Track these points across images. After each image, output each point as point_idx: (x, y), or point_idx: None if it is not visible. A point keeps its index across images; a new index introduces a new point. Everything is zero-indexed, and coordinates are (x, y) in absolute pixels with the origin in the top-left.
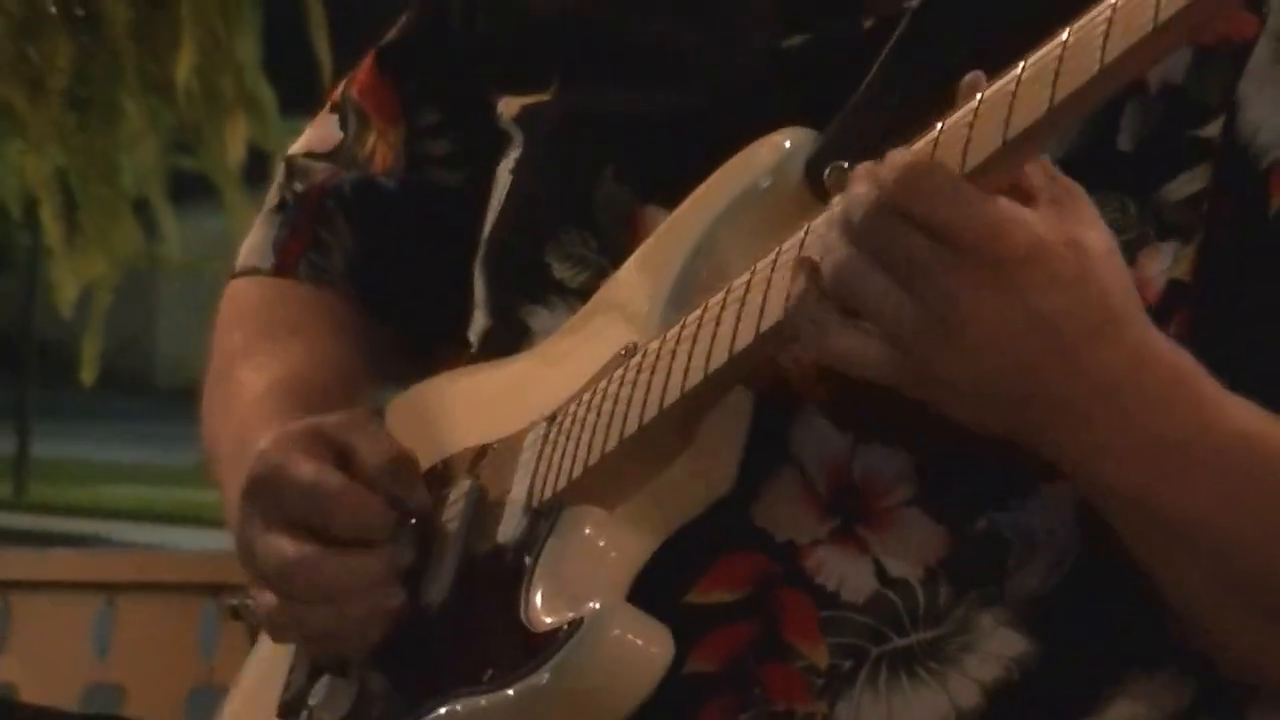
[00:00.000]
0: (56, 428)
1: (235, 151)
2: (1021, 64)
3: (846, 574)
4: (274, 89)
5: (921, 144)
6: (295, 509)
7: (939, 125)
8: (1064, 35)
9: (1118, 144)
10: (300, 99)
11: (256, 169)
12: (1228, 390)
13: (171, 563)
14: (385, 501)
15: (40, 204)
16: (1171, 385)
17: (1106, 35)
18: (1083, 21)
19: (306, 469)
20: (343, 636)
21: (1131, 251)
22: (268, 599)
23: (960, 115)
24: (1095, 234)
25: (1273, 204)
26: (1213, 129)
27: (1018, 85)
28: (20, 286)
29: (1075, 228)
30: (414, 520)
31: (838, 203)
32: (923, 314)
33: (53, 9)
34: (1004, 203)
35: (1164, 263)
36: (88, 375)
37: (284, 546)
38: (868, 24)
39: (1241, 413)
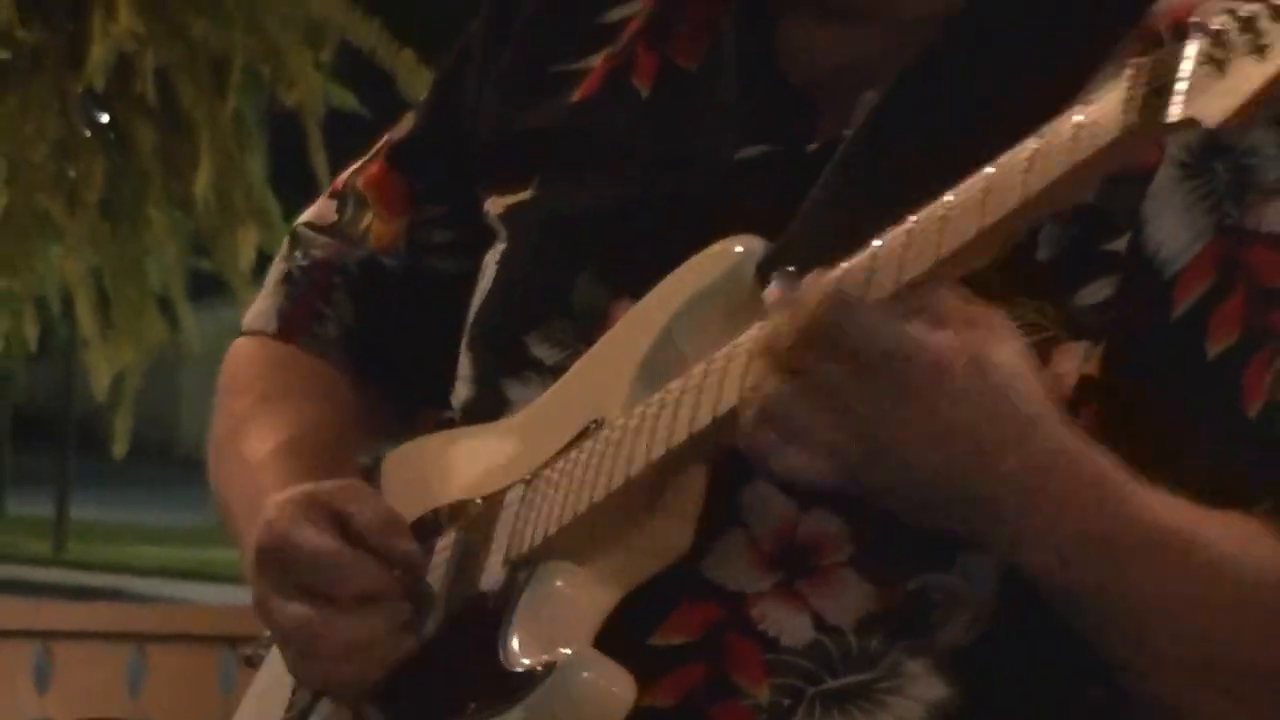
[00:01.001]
0: (92, 493)
1: (246, 255)
2: (950, 195)
3: (787, 623)
4: (279, 201)
5: (845, 269)
6: (303, 575)
7: (871, 248)
8: (989, 169)
9: (1037, 255)
10: (300, 209)
11: (264, 269)
12: (1151, 487)
13: (193, 615)
14: (380, 563)
15: (77, 300)
16: (1092, 485)
17: (1028, 171)
18: (1006, 157)
19: (310, 537)
20: (357, 682)
21: (1048, 349)
22: (291, 655)
23: (890, 241)
24: (1005, 352)
25: (1175, 310)
26: (1120, 244)
27: (943, 218)
28: (60, 371)
29: (984, 347)
30: (405, 574)
31: (762, 328)
32: (850, 435)
33: (88, 132)
34: (914, 327)
35: (1076, 361)
36: (119, 449)
37: (298, 612)
38: (813, 146)
39: (1165, 508)
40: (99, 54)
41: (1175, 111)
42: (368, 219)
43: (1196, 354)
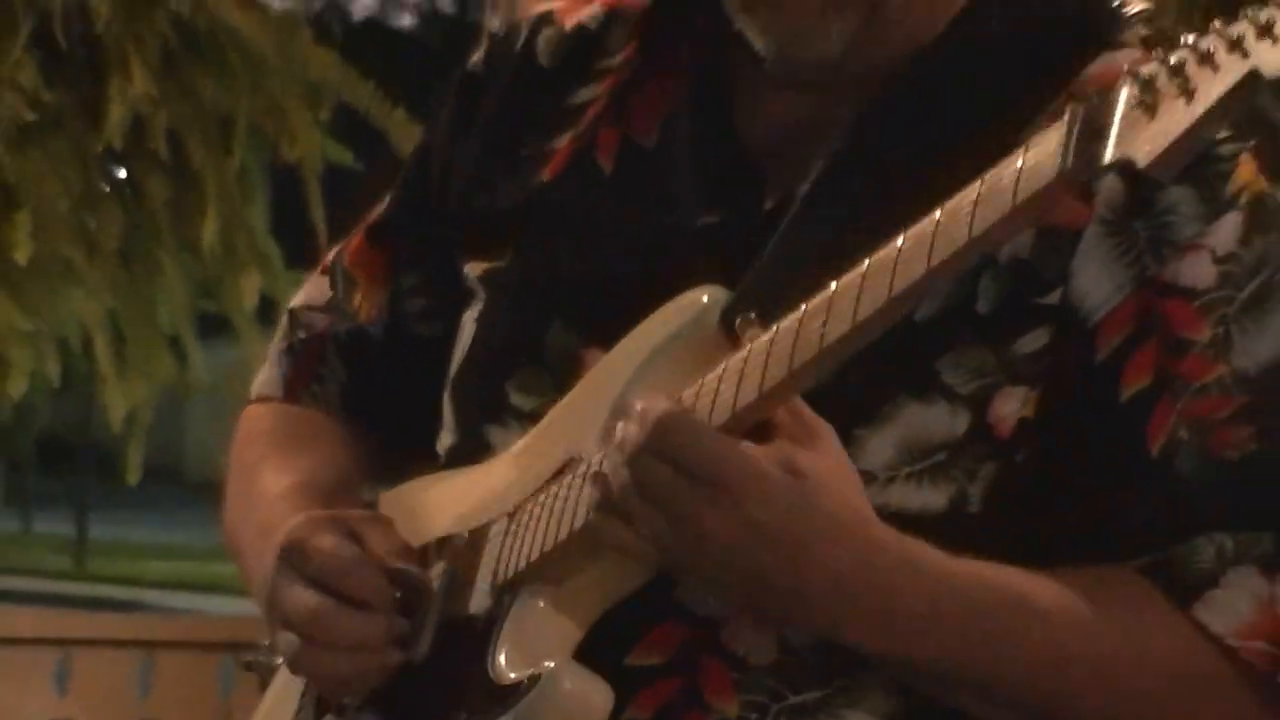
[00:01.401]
0: (108, 514)
1: (249, 297)
2: (901, 239)
3: (755, 645)
4: (280, 248)
5: (800, 311)
6: (317, 570)
7: (823, 296)
8: (936, 215)
9: (977, 308)
10: (299, 256)
11: (266, 311)
12: (977, 562)
13: (198, 625)
14: (385, 579)
15: (95, 340)
16: (899, 570)
17: (972, 215)
18: (952, 203)
19: (329, 540)
20: (347, 680)
21: (990, 394)
22: (290, 639)
23: (844, 280)
24: (825, 463)
25: (1097, 356)
26: (1053, 298)
27: (895, 260)
28: (80, 403)
29: (804, 458)
30: (408, 594)
31: (619, 430)
32: (673, 529)
33: (106, 187)
34: (731, 440)
35: (1015, 404)
36: (132, 475)
37: (308, 598)
38: (769, 205)
39: (971, 581)
40: (116, 114)
41: (1108, 154)
42: (358, 298)
43: (1112, 397)
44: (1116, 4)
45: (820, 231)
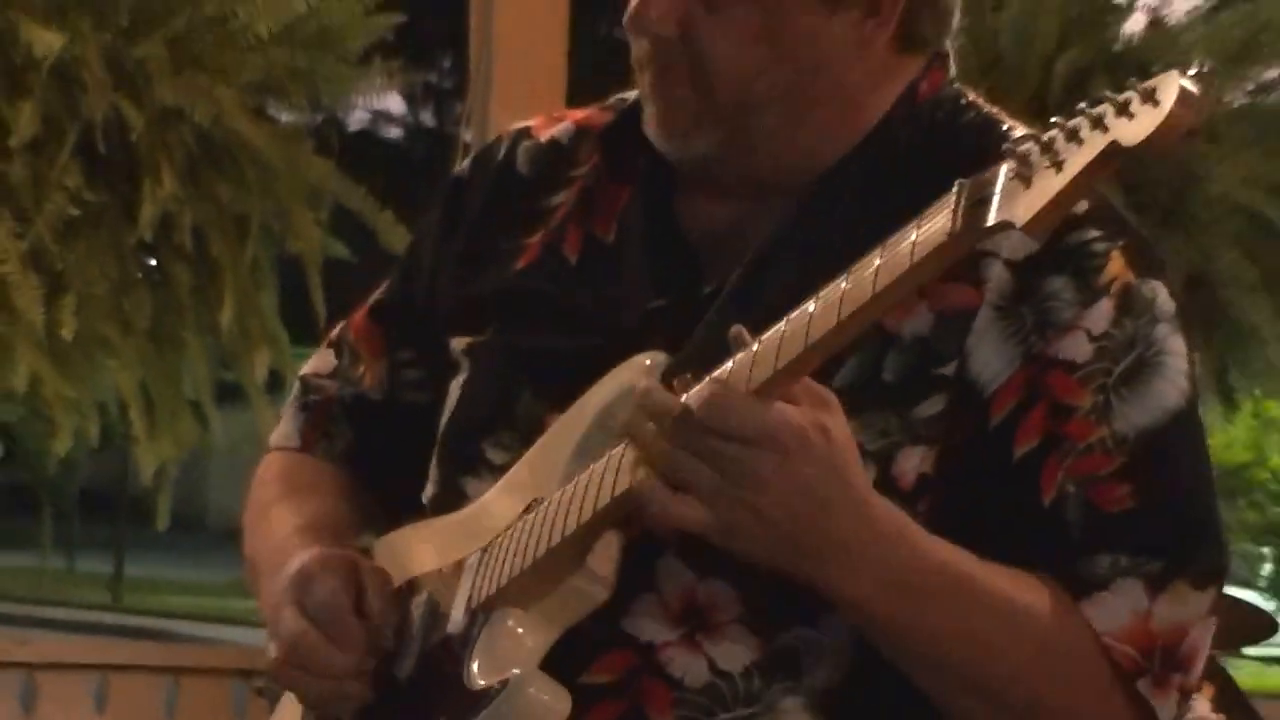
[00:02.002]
0: (141, 555)
1: (261, 370)
2: (812, 302)
3: (689, 667)
4: (286, 329)
5: (733, 364)
6: (314, 604)
7: (754, 344)
8: (843, 278)
9: (884, 377)
10: (303, 335)
11: (274, 382)
12: (941, 540)
13: (218, 653)
14: (365, 631)
15: (129, 406)
16: (890, 538)
17: (875, 278)
18: (857, 267)
19: (332, 583)
20: (320, 700)
21: (893, 452)
22: (274, 652)
23: (768, 337)
24: (838, 423)
25: (992, 421)
26: (949, 369)
27: (810, 315)
28: (116, 460)
29: (825, 417)
30: (377, 640)
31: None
32: (728, 489)
33: (139, 275)
34: (776, 406)
35: (915, 461)
36: (161, 522)
37: (298, 625)
38: (706, 290)
39: (950, 555)
40: (148, 213)
41: (991, 217)
42: (361, 368)
43: (1006, 456)
44: (1005, 128)
45: (748, 312)
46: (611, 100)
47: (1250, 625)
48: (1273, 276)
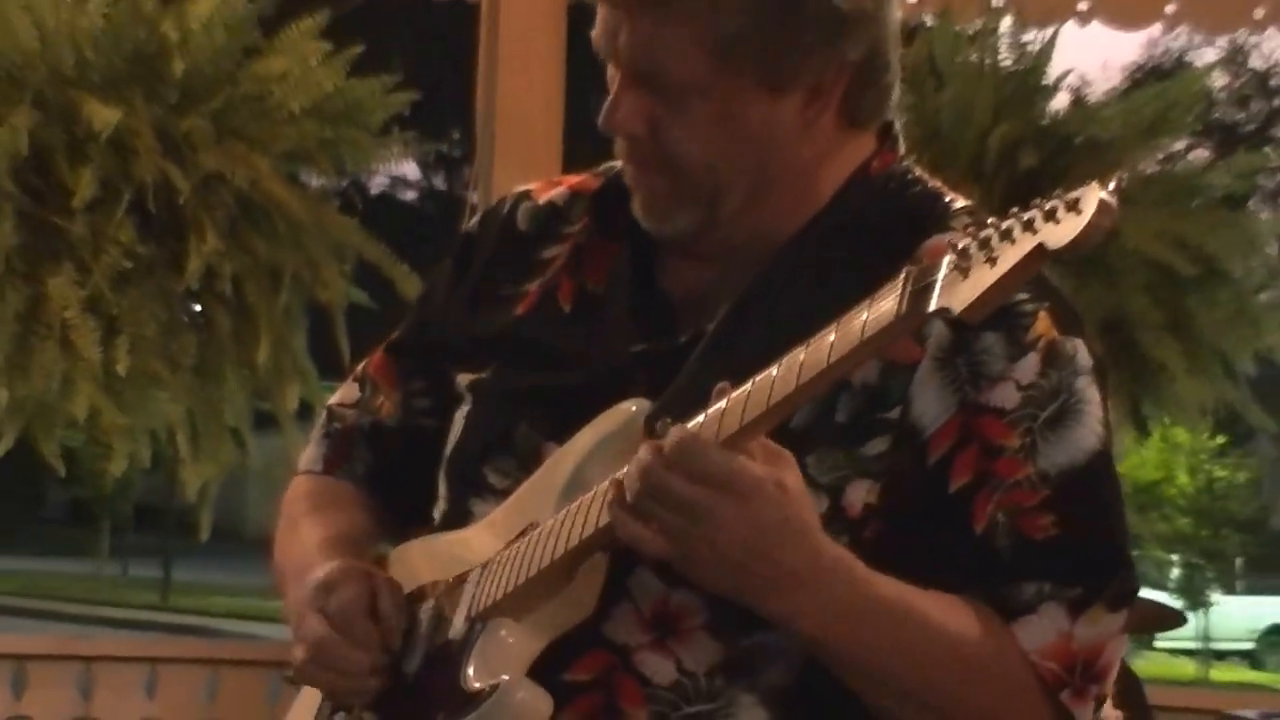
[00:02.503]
0: (186, 562)
1: (292, 402)
2: (774, 368)
3: (659, 667)
4: (315, 365)
5: (704, 418)
6: (335, 609)
7: (724, 401)
8: (802, 349)
9: (836, 419)
10: (329, 372)
11: (304, 411)
12: (882, 574)
13: (253, 647)
14: (378, 631)
15: (177, 432)
16: (836, 574)
17: (830, 350)
18: (815, 340)
19: (352, 590)
20: (339, 694)
21: (843, 485)
22: (300, 653)
23: (735, 396)
24: (794, 479)
25: (930, 459)
26: (894, 413)
27: (772, 379)
28: (165, 479)
29: (781, 474)
30: (390, 642)
31: (636, 460)
32: (688, 526)
33: (185, 318)
34: (739, 458)
35: (862, 493)
36: (204, 533)
37: (320, 628)
38: (683, 339)
39: (889, 587)
40: (193, 265)
41: (932, 304)
42: (380, 399)
43: (943, 489)
44: (947, 200)
45: (721, 360)
46: (601, 168)
47: (1163, 619)
48: (1178, 320)
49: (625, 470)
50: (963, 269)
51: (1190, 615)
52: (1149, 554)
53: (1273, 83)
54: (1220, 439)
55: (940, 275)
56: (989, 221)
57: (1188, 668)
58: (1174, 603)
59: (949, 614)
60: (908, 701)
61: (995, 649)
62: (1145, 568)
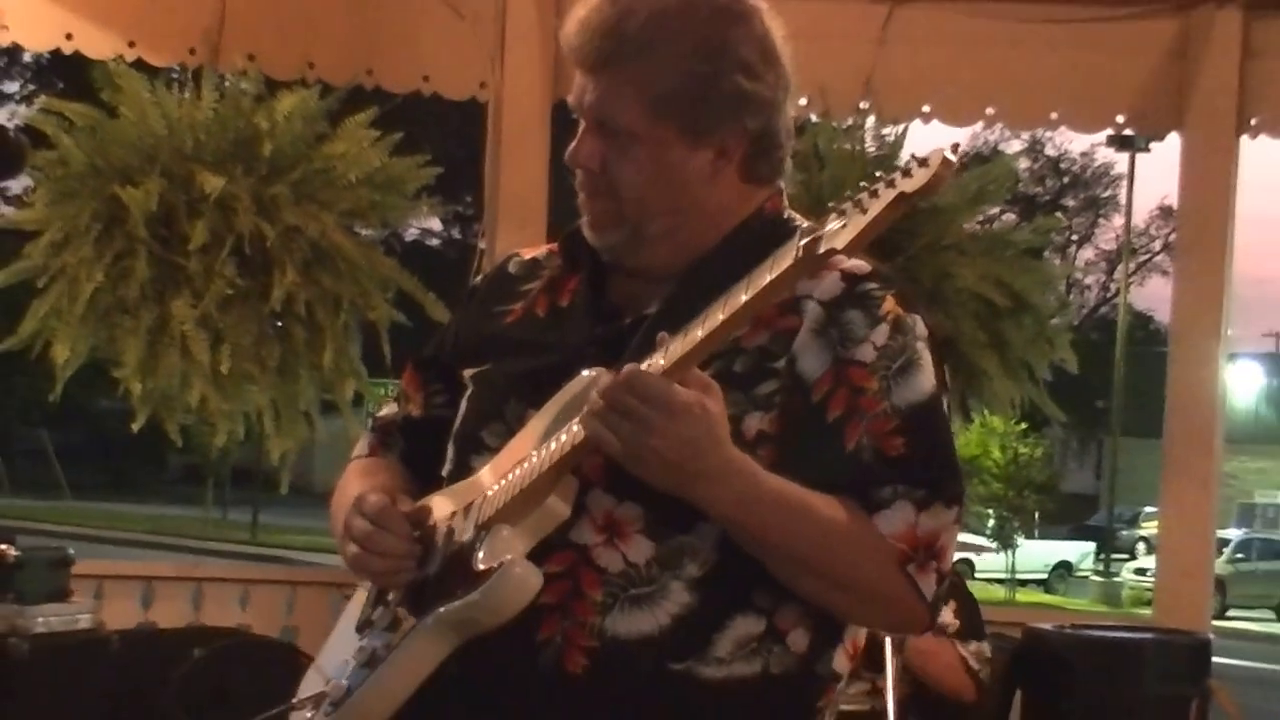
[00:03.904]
0: (271, 509)
1: (348, 394)
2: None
3: (610, 560)
4: (365, 367)
5: (648, 361)
6: (372, 510)
7: (661, 350)
8: (723, 300)
9: (734, 369)
10: (376, 372)
11: (357, 400)
12: (777, 476)
13: (320, 573)
14: (406, 518)
15: (264, 415)
16: (742, 473)
17: (746, 291)
18: (734, 289)
19: (380, 499)
20: (382, 576)
21: (742, 416)
22: (352, 548)
23: (670, 344)
24: (715, 403)
25: (813, 399)
26: (780, 364)
27: (701, 322)
28: (255, 449)
29: (705, 399)
30: (423, 539)
31: (604, 383)
32: (637, 433)
33: (271, 333)
34: (673, 385)
35: (757, 422)
36: (284, 489)
37: (365, 525)
38: (627, 321)
39: (782, 484)
40: (277, 293)
41: (822, 247)
42: (409, 402)
43: (822, 420)
44: (799, 224)
45: (658, 332)
46: (571, 229)
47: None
48: (996, 339)
49: (601, 383)
50: (842, 222)
51: (1000, 553)
52: (971, 509)
53: (1062, 165)
54: (1023, 425)
55: (826, 228)
56: (861, 185)
57: (999, 592)
58: (989, 544)
59: (828, 504)
60: (805, 570)
61: (863, 529)
62: (968, 520)
